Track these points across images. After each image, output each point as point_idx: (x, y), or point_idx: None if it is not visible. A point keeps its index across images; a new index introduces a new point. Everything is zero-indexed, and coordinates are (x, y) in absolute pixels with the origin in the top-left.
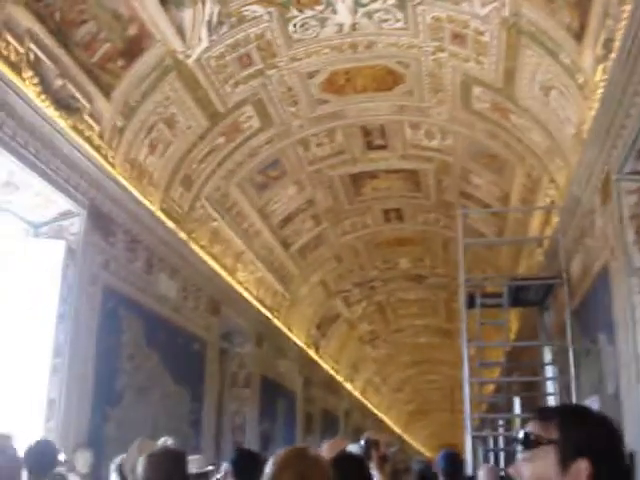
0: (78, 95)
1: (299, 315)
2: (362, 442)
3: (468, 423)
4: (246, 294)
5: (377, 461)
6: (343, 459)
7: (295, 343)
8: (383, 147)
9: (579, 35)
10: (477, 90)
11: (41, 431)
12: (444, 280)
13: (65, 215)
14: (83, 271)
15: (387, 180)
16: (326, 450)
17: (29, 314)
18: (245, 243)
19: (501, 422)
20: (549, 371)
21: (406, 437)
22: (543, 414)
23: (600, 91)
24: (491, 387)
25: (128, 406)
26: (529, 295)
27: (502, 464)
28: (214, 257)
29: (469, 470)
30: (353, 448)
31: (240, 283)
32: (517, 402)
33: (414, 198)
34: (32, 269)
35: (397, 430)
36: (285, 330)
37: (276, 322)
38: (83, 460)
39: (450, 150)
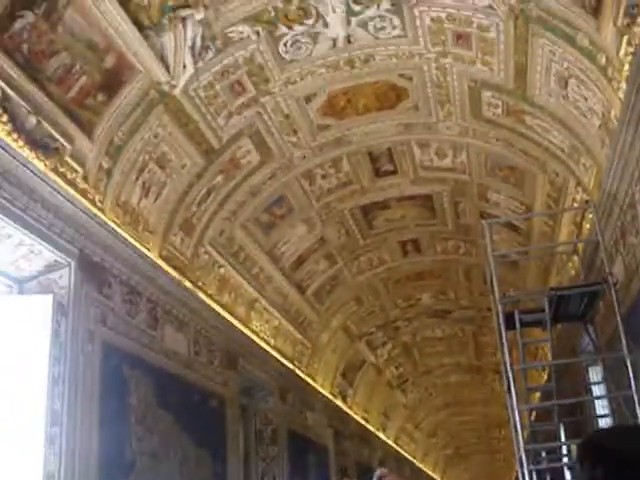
0: (56, 134)
1: (323, 364)
2: None
3: (523, 456)
4: (264, 345)
5: None
6: None
7: (321, 394)
8: (392, 172)
9: (596, 9)
10: (487, 95)
11: None
12: (470, 312)
13: (52, 267)
14: (77, 328)
15: (400, 209)
16: None
17: (19, 379)
18: (257, 290)
19: (543, 454)
20: (597, 391)
21: None
22: None
23: (627, 67)
24: (533, 415)
25: (142, 474)
26: (570, 309)
27: None
28: (225, 307)
29: None
30: None
31: (256, 333)
32: (562, 429)
33: (431, 226)
34: (19, 329)
35: (436, 478)
36: (309, 381)
37: (299, 373)
38: None
39: (464, 167)
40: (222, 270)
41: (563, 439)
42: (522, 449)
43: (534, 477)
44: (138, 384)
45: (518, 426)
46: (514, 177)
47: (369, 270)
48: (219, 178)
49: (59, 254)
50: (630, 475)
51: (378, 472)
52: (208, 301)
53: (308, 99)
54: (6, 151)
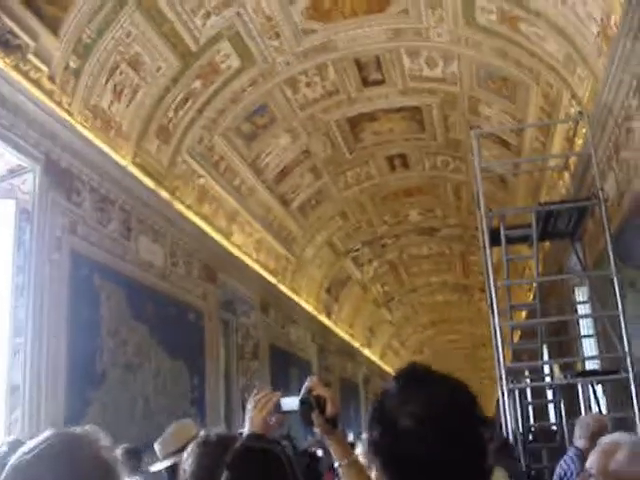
0: (17, 30)
1: (307, 279)
2: (298, 399)
3: (503, 374)
4: (245, 258)
5: (323, 429)
6: (240, 459)
7: (305, 309)
8: (380, 82)
9: None
10: None
11: (4, 423)
12: (458, 231)
13: (15, 172)
14: (43, 235)
15: (388, 122)
16: (254, 415)
17: None
18: (238, 202)
19: (526, 373)
20: (583, 310)
21: None
22: None
23: None
24: (518, 335)
25: (114, 386)
26: (558, 225)
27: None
28: (204, 218)
29: (509, 432)
30: (289, 404)
31: (237, 246)
32: (544, 349)
33: (419, 140)
34: None
35: None
36: (293, 296)
37: (282, 287)
38: None
39: (455, 78)
40: (201, 180)
41: (546, 359)
42: (502, 367)
43: (516, 396)
44: (110, 295)
45: (499, 343)
46: (506, 89)
47: (356, 185)
48: (197, 83)
49: (22, 158)
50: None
51: (308, 383)
52: (186, 212)
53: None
54: None
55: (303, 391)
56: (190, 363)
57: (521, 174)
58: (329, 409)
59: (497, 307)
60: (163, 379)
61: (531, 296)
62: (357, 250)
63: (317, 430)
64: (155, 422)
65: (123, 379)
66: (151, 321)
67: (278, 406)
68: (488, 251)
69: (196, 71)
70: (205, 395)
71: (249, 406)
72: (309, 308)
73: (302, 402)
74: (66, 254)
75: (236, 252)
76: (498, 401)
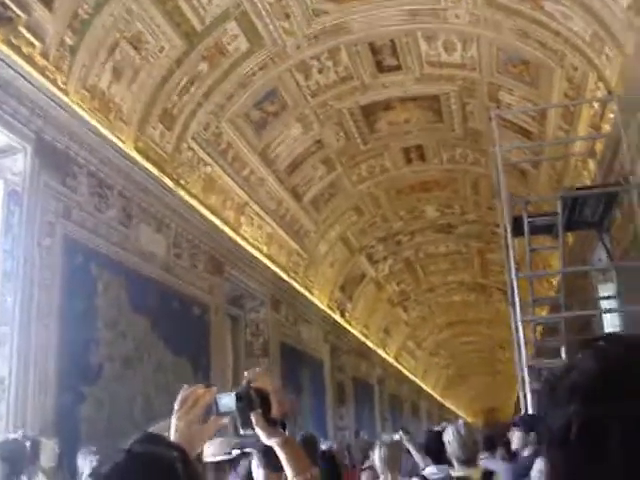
0: (8, 1)
1: (319, 276)
2: (234, 395)
3: (525, 372)
4: (255, 252)
5: (266, 432)
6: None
7: (317, 307)
8: (396, 68)
9: None
10: None
11: None
12: (476, 227)
13: (5, 152)
14: (33, 219)
15: (404, 111)
16: (179, 417)
17: None
18: (248, 193)
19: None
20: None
21: (446, 403)
22: None
23: None
24: (539, 333)
25: (110, 382)
26: (584, 214)
27: None
28: (211, 209)
29: None
30: (228, 404)
31: (246, 239)
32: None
33: (437, 130)
34: None
35: (436, 396)
36: (305, 293)
37: (294, 284)
38: (46, 452)
39: (474, 63)
40: (208, 169)
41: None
42: (525, 365)
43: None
44: (108, 285)
45: (522, 339)
46: (528, 74)
47: (370, 178)
48: (203, 66)
49: (12, 137)
50: None
51: (248, 374)
52: (191, 201)
53: None
54: None
55: (243, 383)
56: (194, 359)
57: (542, 165)
58: (275, 407)
59: (519, 301)
60: (165, 376)
61: (553, 293)
62: (372, 247)
63: (260, 434)
64: (155, 421)
65: (121, 374)
66: (153, 314)
67: (216, 406)
68: (510, 239)
69: (202, 52)
70: None
71: (175, 406)
72: (322, 306)
73: (238, 397)
74: (59, 240)
75: (245, 245)
76: (516, 404)
